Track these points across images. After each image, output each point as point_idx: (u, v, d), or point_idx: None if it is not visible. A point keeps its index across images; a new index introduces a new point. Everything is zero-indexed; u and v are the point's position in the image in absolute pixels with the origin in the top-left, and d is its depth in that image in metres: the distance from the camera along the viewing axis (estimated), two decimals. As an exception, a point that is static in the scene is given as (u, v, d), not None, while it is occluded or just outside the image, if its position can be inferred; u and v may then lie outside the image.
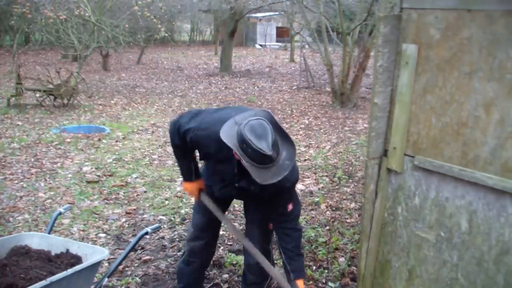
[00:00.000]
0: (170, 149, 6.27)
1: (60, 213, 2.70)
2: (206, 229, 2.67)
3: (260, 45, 30.59)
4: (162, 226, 4.05)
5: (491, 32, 1.82)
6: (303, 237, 3.69)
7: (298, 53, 18.21)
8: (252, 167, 1.97)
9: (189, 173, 2.53)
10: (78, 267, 2.19)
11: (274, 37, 32.01)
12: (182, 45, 28.16)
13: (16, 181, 5.10)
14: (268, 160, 1.95)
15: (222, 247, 3.67)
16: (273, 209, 2.39)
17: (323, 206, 4.45)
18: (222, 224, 2.75)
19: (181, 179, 5.35)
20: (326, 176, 5.45)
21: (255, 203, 2.57)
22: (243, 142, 1.96)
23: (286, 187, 2.27)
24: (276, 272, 2.46)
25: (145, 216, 4.34)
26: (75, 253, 2.42)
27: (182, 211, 4.43)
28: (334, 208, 4.40)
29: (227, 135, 2.02)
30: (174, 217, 4.27)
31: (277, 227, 2.44)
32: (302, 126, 8.47)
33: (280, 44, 30.40)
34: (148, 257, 3.53)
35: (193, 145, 2.37)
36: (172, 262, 3.45)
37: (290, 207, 2.35)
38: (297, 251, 2.41)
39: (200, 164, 2.64)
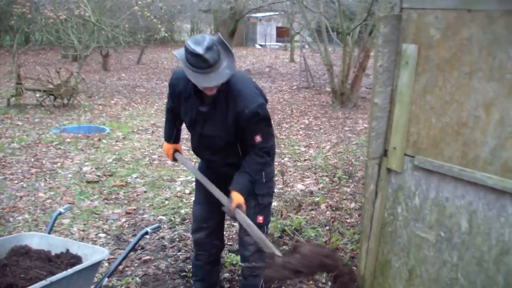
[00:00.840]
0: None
1: (60, 213, 2.70)
2: (207, 218, 2.68)
3: (260, 45, 30.59)
4: (162, 226, 4.05)
5: (491, 32, 1.82)
6: (303, 236, 3.69)
7: (298, 53, 18.21)
8: (191, 71, 2.14)
9: (169, 133, 2.71)
10: (78, 267, 2.19)
11: (274, 37, 32.01)
12: (182, 45, 28.12)
13: (16, 181, 5.10)
14: (203, 62, 2.10)
15: (222, 247, 3.67)
16: (243, 145, 2.42)
17: (323, 206, 4.45)
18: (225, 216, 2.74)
19: (181, 178, 5.37)
20: (326, 176, 5.45)
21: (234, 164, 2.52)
22: (185, 49, 2.15)
23: (245, 113, 2.27)
24: (267, 241, 2.38)
25: (145, 216, 4.34)
26: (75, 253, 2.42)
27: (182, 211, 4.43)
28: (334, 208, 4.40)
29: (178, 51, 2.23)
30: (174, 217, 4.27)
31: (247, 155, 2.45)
32: (302, 126, 8.47)
33: (280, 44, 30.39)
34: (148, 257, 3.53)
35: (172, 91, 2.52)
36: (172, 262, 3.45)
37: (257, 138, 2.35)
38: (247, 169, 2.39)
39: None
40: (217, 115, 2.34)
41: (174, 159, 2.79)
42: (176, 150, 2.75)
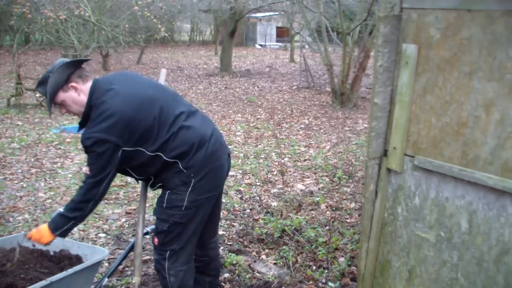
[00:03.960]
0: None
1: (60, 213, 2.70)
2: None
3: (260, 45, 30.60)
4: (162, 226, 4.05)
5: (491, 32, 1.82)
6: (303, 236, 3.69)
7: (298, 53, 18.21)
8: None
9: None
10: (78, 267, 2.19)
11: (274, 37, 32.02)
12: (182, 45, 28.17)
13: (16, 181, 5.10)
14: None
15: (222, 247, 3.67)
16: (140, 167, 2.37)
17: (323, 206, 4.45)
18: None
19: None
20: (326, 176, 5.45)
21: None
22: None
23: (83, 145, 2.21)
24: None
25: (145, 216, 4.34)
26: (75, 253, 2.42)
27: (182, 211, 4.43)
28: (334, 208, 4.40)
29: None
30: (174, 217, 4.27)
31: None
32: (302, 126, 8.47)
33: (280, 44, 30.40)
34: (148, 257, 3.53)
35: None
36: (172, 262, 3.45)
37: (87, 170, 2.25)
38: (64, 208, 2.29)
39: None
40: None
41: None
42: None
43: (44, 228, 2.26)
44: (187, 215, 2.35)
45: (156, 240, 2.43)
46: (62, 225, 2.25)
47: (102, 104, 2.18)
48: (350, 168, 5.60)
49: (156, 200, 2.44)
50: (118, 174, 2.48)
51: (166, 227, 2.37)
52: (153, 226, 2.61)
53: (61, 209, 2.28)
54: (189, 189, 2.31)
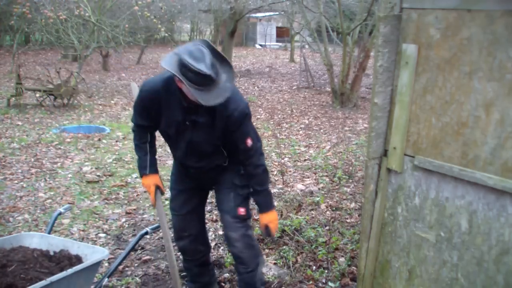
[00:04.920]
0: (169, 149, 6.31)
1: (60, 213, 2.70)
2: (186, 227, 2.69)
3: (260, 45, 30.60)
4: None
5: (491, 32, 1.82)
6: (303, 236, 3.69)
7: (298, 53, 18.21)
8: (194, 90, 2.05)
9: (148, 161, 2.52)
10: (78, 267, 2.19)
11: (274, 37, 32.02)
12: (182, 45, 28.13)
13: (16, 181, 5.10)
14: (208, 80, 2.04)
15: (222, 247, 3.67)
16: (236, 150, 2.41)
17: (323, 206, 4.45)
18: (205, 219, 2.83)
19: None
20: (326, 176, 5.45)
21: (222, 173, 2.54)
22: (182, 66, 2.04)
23: (234, 116, 2.27)
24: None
25: (145, 216, 4.34)
26: (75, 253, 2.42)
27: (182, 211, 4.43)
28: (334, 208, 4.40)
29: (168, 63, 2.08)
30: (174, 217, 4.28)
31: (244, 168, 2.48)
32: (302, 126, 8.47)
33: (280, 44, 30.40)
34: (148, 257, 3.53)
35: (146, 105, 2.37)
36: (172, 262, 3.46)
37: (249, 142, 2.34)
38: (259, 187, 2.45)
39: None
40: (204, 121, 2.31)
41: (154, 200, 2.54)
42: (157, 187, 2.53)
43: (272, 213, 2.51)
44: None
45: (243, 210, 2.51)
46: (271, 197, 2.56)
47: None
48: (350, 168, 5.60)
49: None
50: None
51: (247, 192, 2.52)
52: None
53: (261, 187, 2.46)
54: None
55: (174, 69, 2.07)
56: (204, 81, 2.04)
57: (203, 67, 2.02)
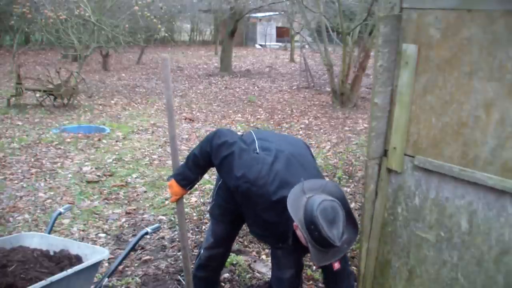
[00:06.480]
0: (169, 149, 6.30)
1: (60, 213, 2.70)
2: (227, 239, 2.70)
3: (260, 45, 30.59)
4: (162, 226, 4.05)
5: (491, 32, 1.82)
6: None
7: (298, 53, 18.21)
8: (313, 248, 1.91)
9: (188, 180, 2.39)
10: (78, 267, 2.19)
11: (274, 37, 32.01)
12: (182, 45, 28.14)
13: (16, 181, 5.10)
14: (333, 247, 1.90)
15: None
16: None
17: (323, 206, 4.44)
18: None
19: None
20: (326, 176, 5.45)
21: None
22: (312, 223, 1.87)
23: None
24: None
25: (145, 216, 4.34)
26: (75, 253, 2.42)
27: (182, 211, 4.43)
28: (334, 208, 4.39)
29: (294, 206, 1.93)
30: (174, 217, 4.27)
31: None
32: (302, 126, 8.47)
33: (280, 44, 30.38)
34: (148, 257, 3.53)
35: (235, 193, 2.22)
36: (172, 262, 3.45)
37: (336, 265, 2.23)
38: None
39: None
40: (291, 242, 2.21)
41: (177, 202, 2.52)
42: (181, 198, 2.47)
43: None
44: None
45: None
46: None
47: None
48: (350, 168, 5.60)
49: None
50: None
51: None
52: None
53: None
54: None
55: (300, 217, 1.91)
56: (329, 247, 1.91)
57: (335, 237, 1.86)
